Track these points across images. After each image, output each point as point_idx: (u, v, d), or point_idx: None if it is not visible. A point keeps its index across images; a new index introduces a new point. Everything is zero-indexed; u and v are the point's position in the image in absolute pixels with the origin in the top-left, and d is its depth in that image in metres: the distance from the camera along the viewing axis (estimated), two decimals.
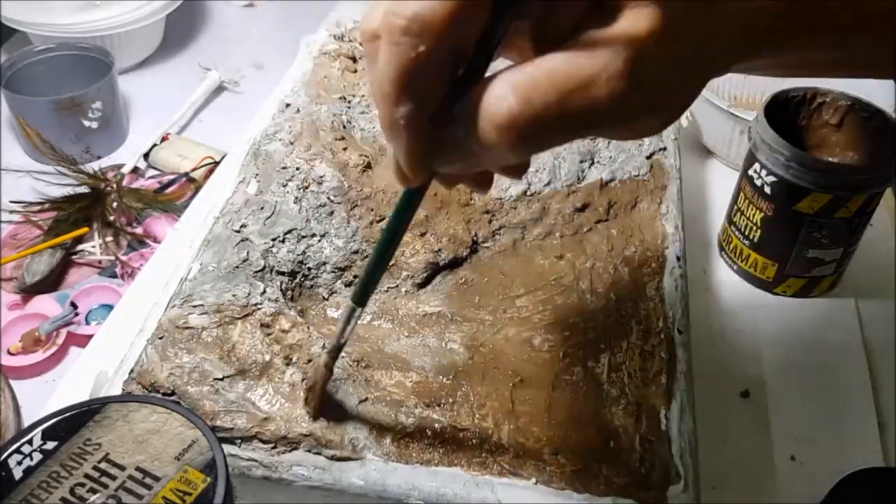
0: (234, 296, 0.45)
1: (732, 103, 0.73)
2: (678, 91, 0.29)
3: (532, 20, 0.30)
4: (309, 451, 0.41)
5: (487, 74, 0.28)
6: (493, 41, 0.28)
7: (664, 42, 0.27)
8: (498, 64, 0.29)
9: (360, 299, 0.38)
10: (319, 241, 0.50)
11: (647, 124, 0.30)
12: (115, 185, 0.72)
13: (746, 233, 0.63)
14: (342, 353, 0.40)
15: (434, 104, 0.28)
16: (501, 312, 0.49)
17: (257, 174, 0.53)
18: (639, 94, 0.27)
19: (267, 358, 0.43)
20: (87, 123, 0.78)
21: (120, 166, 0.77)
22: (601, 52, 0.26)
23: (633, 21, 0.26)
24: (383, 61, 0.27)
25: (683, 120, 0.71)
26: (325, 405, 0.41)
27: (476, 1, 0.27)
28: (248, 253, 0.48)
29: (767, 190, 0.59)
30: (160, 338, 0.43)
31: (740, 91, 0.83)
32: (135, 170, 0.78)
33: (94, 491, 0.32)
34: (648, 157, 0.58)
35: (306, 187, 0.51)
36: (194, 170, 0.76)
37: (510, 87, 0.27)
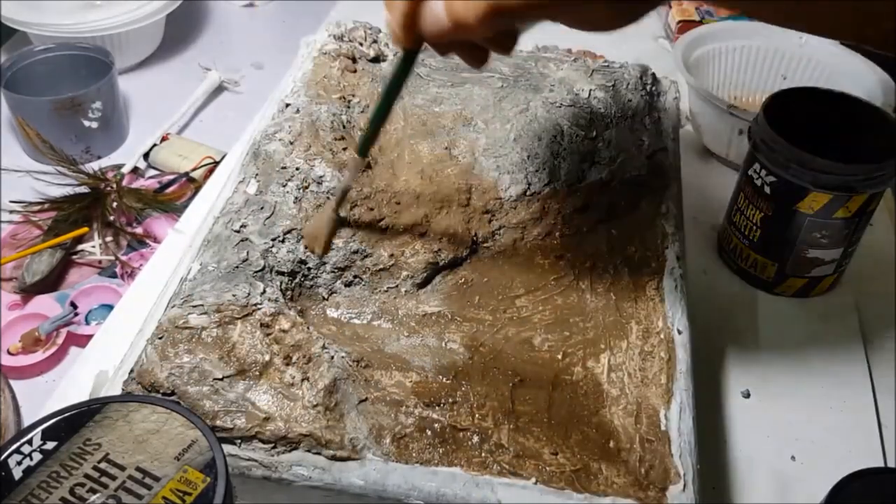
0: (233, 296, 0.45)
1: (732, 103, 0.73)
2: None
3: None
4: (309, 451, 0.41)
5: None
6: None
7: None
8: None
9: (362, 151, 0.47)
10: None
11: (600, 16, 0.35)
12: (114, 185, 0.72)
13: (746, 233, 0.63)
14: (342, 354, 0.40)
15: None
16: (501, 312, 0.49)
17: (257, 174, 0.53)
18: None
19: (267, 358, 0.43)
20: (87, 123, 0.78)
21: (120, 166, 0.77)
22: None
23: None
24: None
25: (683, 119, 0.71)
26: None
27: None
28: (247, 253, 0.48)
29: (767, 190, 0.59)
30: (160, 338, 0.43)
31: (740, 91, 0.83)
32: (135, 170, 0.78)
33: (93, 491, 0.32)
34: (648, 158, 0.58)
35: (306, 187, 0.51)
36: (194, 170, 0.76)
37: None
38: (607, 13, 0.36)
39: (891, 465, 0.52)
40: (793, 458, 0.53)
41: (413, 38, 0.38)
